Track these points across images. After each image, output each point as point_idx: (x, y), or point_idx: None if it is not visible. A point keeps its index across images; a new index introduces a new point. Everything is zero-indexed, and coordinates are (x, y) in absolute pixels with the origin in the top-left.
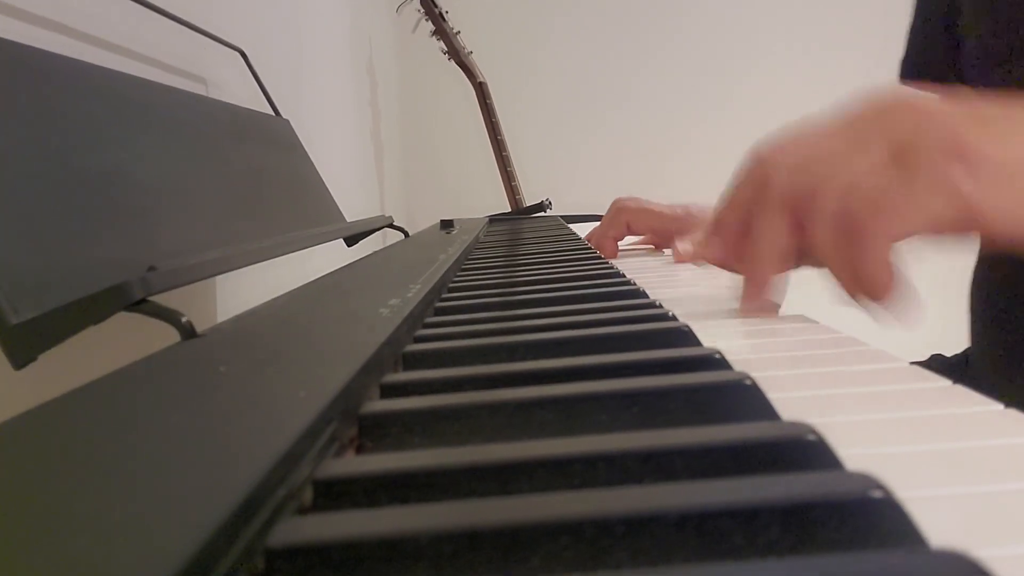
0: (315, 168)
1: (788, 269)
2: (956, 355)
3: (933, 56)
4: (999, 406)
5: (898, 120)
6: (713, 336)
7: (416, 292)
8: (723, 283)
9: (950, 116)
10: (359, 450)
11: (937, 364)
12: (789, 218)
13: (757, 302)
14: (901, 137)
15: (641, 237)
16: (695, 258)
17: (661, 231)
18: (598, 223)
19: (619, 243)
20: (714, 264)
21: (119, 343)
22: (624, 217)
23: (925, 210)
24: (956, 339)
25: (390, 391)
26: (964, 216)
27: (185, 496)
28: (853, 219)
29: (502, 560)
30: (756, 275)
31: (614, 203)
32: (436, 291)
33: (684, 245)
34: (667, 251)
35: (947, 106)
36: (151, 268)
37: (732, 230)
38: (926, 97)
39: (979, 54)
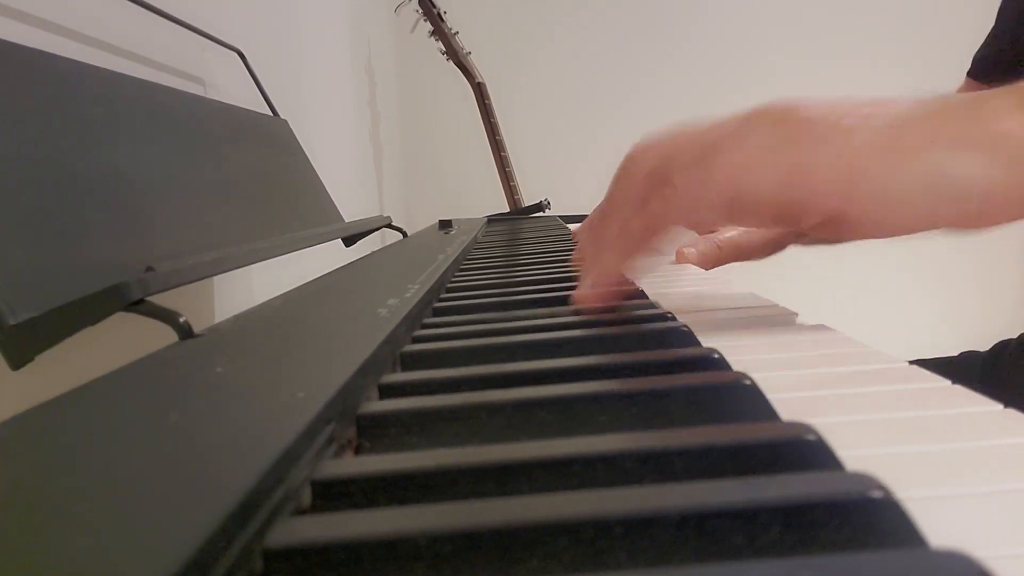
0: (313, 168)
1: (639, 250)
2: (988, 350)
3: (1003, 55)
4: (999, 406)
5: (765, 115)
6: (711, 336)
7: (414, 292)
8: (721, 283)
9: (817, 111)
10: (357, 451)
11: (967, 360)
12: (642, 187)
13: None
14: (766, 127)
15: None
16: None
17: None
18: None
19: None
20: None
21: (117, 344)
22: None
23: (757, 171)
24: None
25: (388, 391)
26: (816, 211)
27: (183, 497)
28: (705, 170)
29: (501, 561)
30: (600, 258)
31: None
32: (434, 291)
33: (689, 249)
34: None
35: (823, 105)
36: (149, 268)
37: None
38: (810, 101)
39: None
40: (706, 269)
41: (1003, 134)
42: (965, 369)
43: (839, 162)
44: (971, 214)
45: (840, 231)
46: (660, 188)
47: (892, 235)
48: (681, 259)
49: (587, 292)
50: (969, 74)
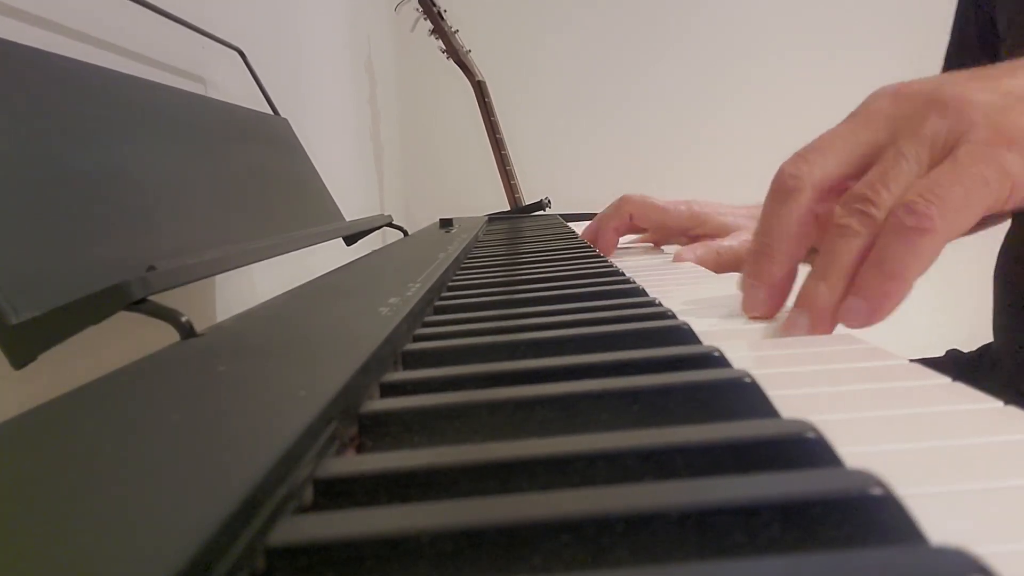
0: (314, 167)
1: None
2: (973, 351)
3: (971, 50)
4: (999, 403)
5: (921, 109)
6: (711, 335)
7: (416, 291)
8: (720, 281)
9: (981, 98)
10: (359, 449)
11: (953, 360)
12: (809, 202)
13: (814, 327)
14: (939, 130)
15: (639, 236)
16: (763, 315)
17: (664, 227)
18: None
19: (619, 238)
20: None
21: (119, 343)
22: (628, 208)
23: (980, 197)
24: (975, 335)
25: (390, 390)
26: (1015, 197)
27: (185, 496)
28: (910, 212)
29: (503, 558)
30: (824, 296)
31: (620, 197)
32: (435, 290)
33: (688, 254)
34: (665, 248)
35: (973, 86)
36: (150, 268)
37: (781, 259)
38: (948, 81)
39: (1014, 42)
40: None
41: None
42: (950, 369)
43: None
44: None
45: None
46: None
47: None
48: (678, 259)
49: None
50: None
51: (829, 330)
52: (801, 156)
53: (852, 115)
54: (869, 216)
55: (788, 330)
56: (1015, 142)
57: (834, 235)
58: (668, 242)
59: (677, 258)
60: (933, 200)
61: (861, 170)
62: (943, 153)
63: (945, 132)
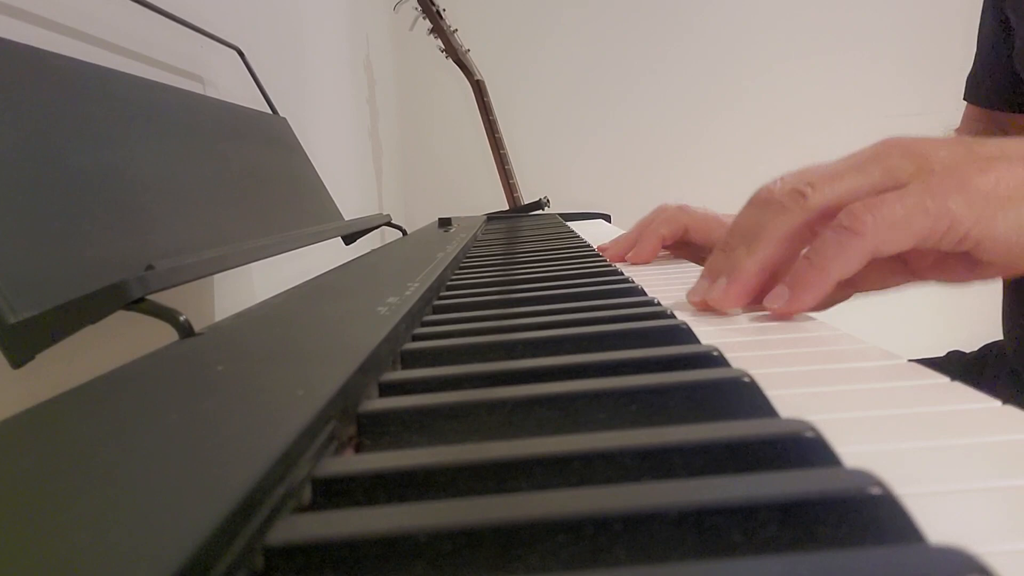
0: (313, 166)
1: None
2: (975, 351)
3: (990, 71)
4: (997, 403)
5: (898, 154)
6: (710, 334)
7: (414, 290)
8: None
9: (949, 154)
10: (358, 448)
11: (955, 361)
12: (789, 218)
13: (736, 293)
14: (900, 167)
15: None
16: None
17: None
18: (603, 222)
19: (660, 249)
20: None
21: (117, 342)
22: (684, 220)
23: (915, 221)
24: (975, 335)
25: (388, 389)
26: (952, 235)
27: (184, 495)
28: (846, 213)
29: (500, 558)
30: (746, 262)
31: (664, 205)
32: (434, 289)
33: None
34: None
35: (949, 146)
36: (149, 267)
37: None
38: (931, 140)
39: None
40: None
41: None
42: (951, 369)
43: (980, 203)
44: None
45: (967, 266)
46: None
47: (1019, 271)
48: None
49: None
50: (966, 98)
51: (743, 298)
52: (807, 182)
53: (851, 157)
54: (803, 196)
55: (705, 295)
56: (965, 189)
57: (766, 211)
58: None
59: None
60: (871, 211)
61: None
62: (895, 183)
63: (902, 168)
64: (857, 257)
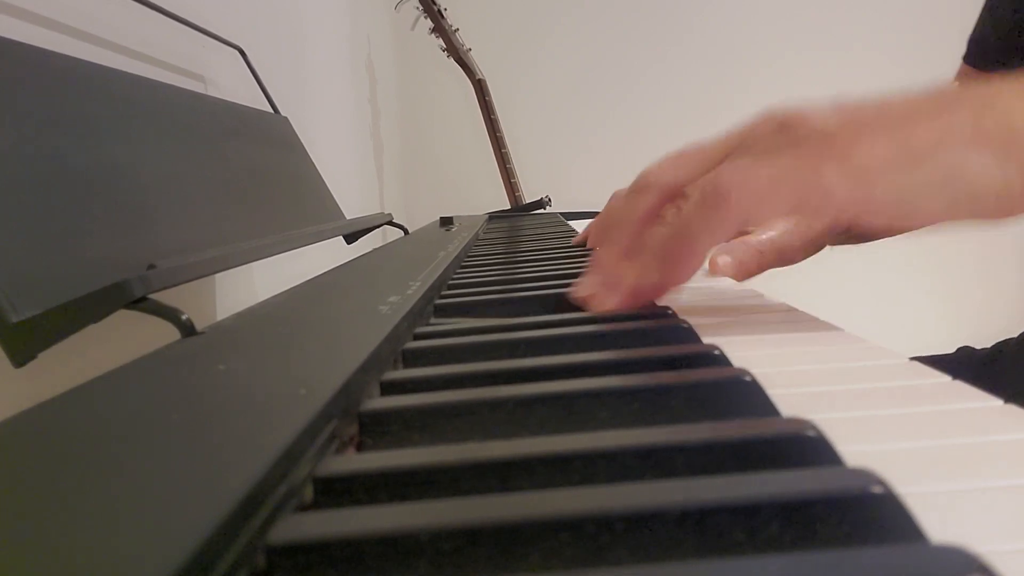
0: (314, 166)
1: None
2: (988, 347)
3: (1002, 35)
4: (999, 402)
5: (771, 126)
6: (711, 333)
7: (416, 289)
8: (721, 283)
9: (824, 122)
10: (359, 447)
11: (966, 357)
12: (656, 200)
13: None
14: (772, 138)
15: None
16: (597, 301)
17: None
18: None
19: None
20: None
21: (119, 341)
22: None
23: (782, 191)
24: (981, 332)
25: (390, 388)
26: (824, 207)
27: (186, 494)
28: (712, 184)
29: (502, 557)
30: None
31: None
32: (436, 288)
33: (724, 258)
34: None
35: (827, 113)
36: (151, 266)
37: (617, 251)
38: (810, 108)
39: None
40: (742, 280)
41: (1016, 129)
42: (962, 366)
43: (854, 173)
44: (987, 210)
45: (860, 233)
46: (679, 211)
47: (909, 230)
48: (715, 270)
49: (609, 299)
50: (965, 59)
51: (625, 297)
52: (658, 162)
53: (725, 133)
54: (660, 179)
55: (586, 292)
56: (838, 158)
57: (655, 226)
58: None
59: (712, 267)
60: (734, 180)
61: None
62: (767, 153)
63: (777, 141)
64: (723, 228)
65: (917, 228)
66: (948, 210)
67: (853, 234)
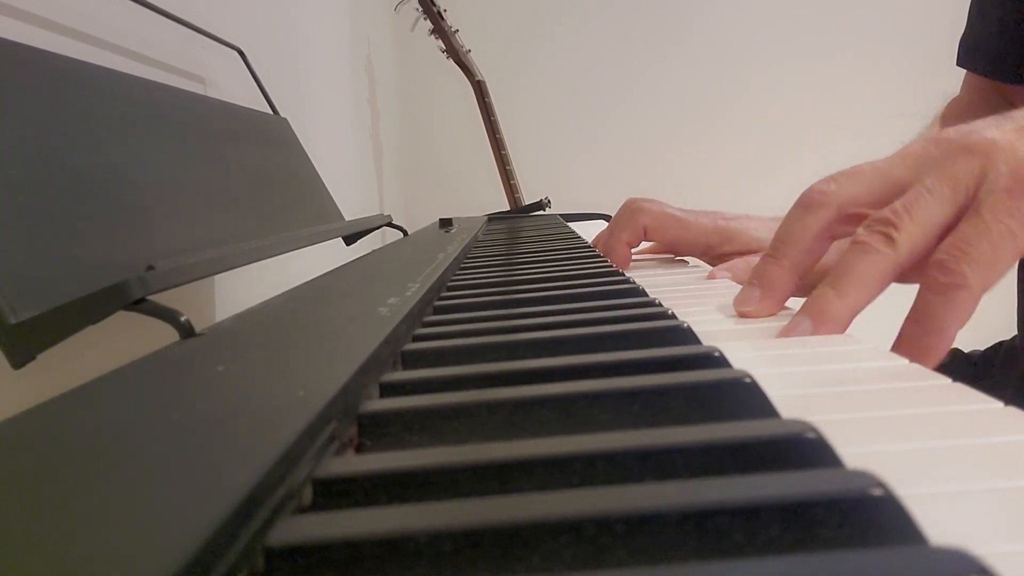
0: (313, 167)
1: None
2: (984, 349)
3: (994, 36)
4: (999, 403)
5: (951, 151)
6: (711, 336)
7: (415, 291)
8: (721, 280)
9: (1007, 144)
10: (358, 449)
11: (960, 359)
12: (833, 216)
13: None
14: (960, 171)
15: (652, 245)
16: (753, 315)
17: (684, 243)
18: (604, 222)
19: (632, 251)
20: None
21: (118, 342)
22: (643, 220)
23: (1008, 255)
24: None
25: (389, 390)
26: None
27: (184, 495)
28: (943, 269)
29: (502, 559)
30: (838, 307)
31: (628, 203)
32: (435, 290)
33: (723, 273)
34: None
35: (1004, 134)
36: (150, 267)
37: (788, 266)
38: (981, 127)
39: None
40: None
41: None
42: (954, 369)
43: None
44: None
45: None
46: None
47: None
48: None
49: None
50: (961, 64)
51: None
52: (832, 178)
53: (891, 156)
54: (888, 237)
55: (790, 333)
56: None
57: (853, 249)
58: (685, 257)
59: (711, 276)
60: (961, 257)
61: (886, 202)
62: (967, 195)
63: (969, 173)
64: (969, 309)
65: None
66: None
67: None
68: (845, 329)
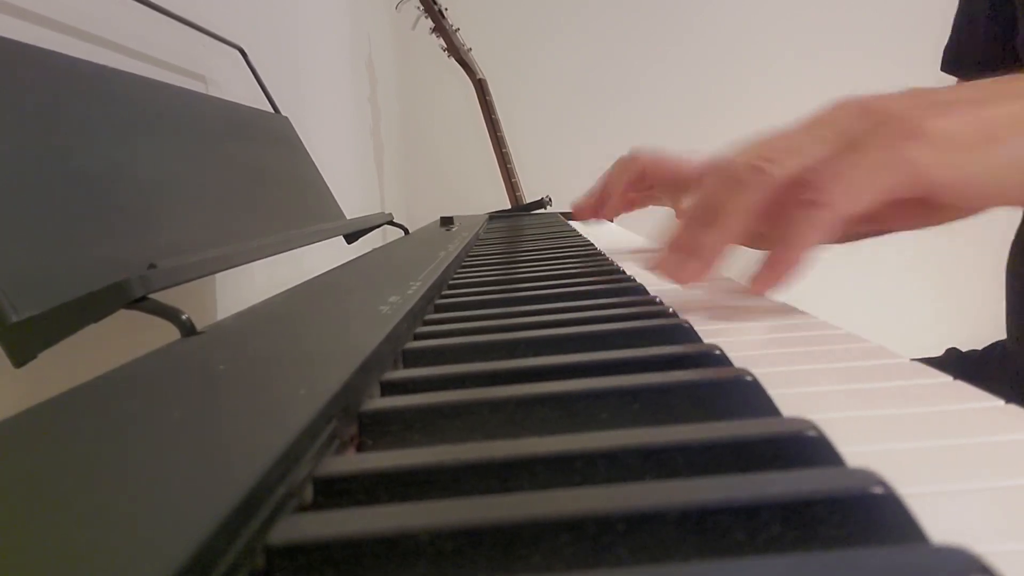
0: (315, 165)
1: (742, 242)
2: (979, 349)
3: (979, 42)
4: (1000, 402)
5: (851, 114)
6: (712, 333)
7: (416, 289)
8: (721, 279)
9: (901, 104)
10: (359, 448)
11: (955, 359)
12: (752, 195)
13: (699, 272)
14: (854, 126)
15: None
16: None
17: (683, 182)
18: (605, 221)
19: (630, 199)
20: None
21: (119, 341)
22: (640, 164)
23: (877, 179)
24: (977, 334)
25: (390, 388)
26: (917, 184)
27: (185, 494)
28: (809, 186)
29: (503, 557)
30: (710, 240)
31: (621, 158)
32: (436, 288)
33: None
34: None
35: (901, 97)
36: (151, 266)
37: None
38: (883, 95)
39: None
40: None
41: None
42: (951, 368)
43: (941, 148)
44: None
45: (930, 212)
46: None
47: (979, 211)
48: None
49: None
50: (946, 71)
51: (705, 275)
52: (766, 157)
53: (806, 122)
54: (763, 171)
55: (667, 270)
56: (921, 135)
57: (727, 185)
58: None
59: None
60: (830, 178)
61: None
62: (850, 141)
63: (859, 127)
64: (829, 228)
65: (982, 210)
66: (1016, 193)
67: (920, 220)
68: (714, 261)
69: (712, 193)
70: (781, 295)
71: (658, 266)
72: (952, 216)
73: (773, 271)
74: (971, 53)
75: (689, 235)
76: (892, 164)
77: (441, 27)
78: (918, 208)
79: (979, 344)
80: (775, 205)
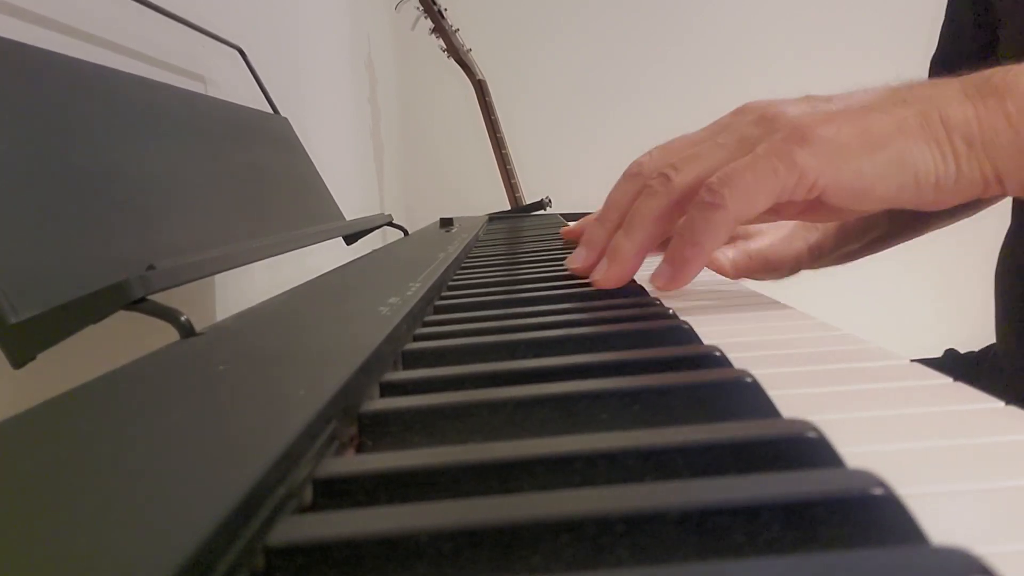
0: (314, 166)
1: (652, 246)
2: (975, 351)
3: (964, 53)
4: (1000, 403)
5: (748, 121)
6: (712, 334)
7: (416, 290)
8: (721, 280)
9: (794, 111)
10: (359, 449)
11: (952, 360)
12: (659, 201)
13: (618, 274)
14: (751, 132)
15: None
16: (579, 271)
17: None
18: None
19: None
20: (584, 272)
21: (118, 342)
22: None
23: (768, 183)
24: (974, 336)
25: (390, 389)
26: (804, 187)
27: (185, 495)
28: (706, 189)
29: (502, 558)
30: (625, 245)
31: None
32: (436, 289)
33: (723, 256)
34: None
35: (797, 104)
36: (150, 267)
37: (609, 227)
38: (780, 101)
39: (1016, 48)
40: (731, 278)
41: (950, 126)
42: (950, 369)
43: (822, 153)
44: (927, 197)
45: (823, 211)
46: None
47: (863, 212)
48: (712, 264)
49: (609, 274)
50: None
51: (624, 278)
52: (672, 164)
53: (710, 127)
54: (668, 179)
55: (587, 272)
56: (809, 142)
57: (641, 195)
58: None
59: (712, 262)
60: (726, 181)
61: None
62: (750, 148)
63: (754, 135)
64: (724, 228)
65: (869, 210)
66: (897, 194)
67: (817, 216)
68: (633, 264)
69: (622, 191)
70: (780, 295)
71: (574, 259)
72: (848, 215)
73: (670, 266)
74: (956, 63)
75: (601, 232)
76: (781, 169)
77: (441, 28)
78: (816, 206)
79: (978, 345)
80: (679, 208)
